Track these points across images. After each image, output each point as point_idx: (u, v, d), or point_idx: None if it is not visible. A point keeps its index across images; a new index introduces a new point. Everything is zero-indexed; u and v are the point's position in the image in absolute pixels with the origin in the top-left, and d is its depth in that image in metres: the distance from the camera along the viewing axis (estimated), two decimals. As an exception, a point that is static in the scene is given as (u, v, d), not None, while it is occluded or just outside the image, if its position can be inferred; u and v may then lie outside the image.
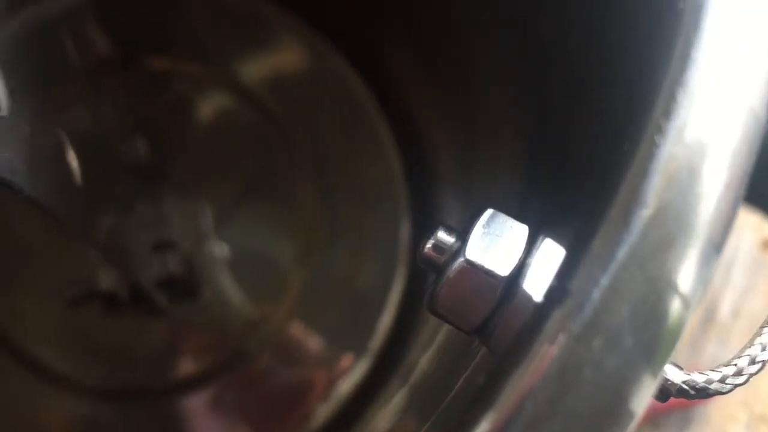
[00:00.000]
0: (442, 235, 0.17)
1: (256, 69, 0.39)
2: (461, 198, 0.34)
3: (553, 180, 0.18)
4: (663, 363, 0.12)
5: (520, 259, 0.16)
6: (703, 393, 0.16)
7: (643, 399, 0.12)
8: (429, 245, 0.17)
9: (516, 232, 0.16)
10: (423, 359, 0.33)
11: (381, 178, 0.39)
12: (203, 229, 0.39)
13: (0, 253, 0.37)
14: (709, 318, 0.39)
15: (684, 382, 0.16)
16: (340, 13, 0.35)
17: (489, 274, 0.16)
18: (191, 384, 0.38)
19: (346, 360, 0.38)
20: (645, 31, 0.13)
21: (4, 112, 0.20)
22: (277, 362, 0.38)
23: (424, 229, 0.38)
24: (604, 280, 0.12)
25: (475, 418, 0.11)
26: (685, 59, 0.12)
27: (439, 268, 0.16)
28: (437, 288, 0.16)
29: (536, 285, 0.15)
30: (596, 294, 0.12)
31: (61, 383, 0.36)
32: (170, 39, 0.38)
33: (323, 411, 0.37)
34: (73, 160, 0.31)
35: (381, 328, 0.38)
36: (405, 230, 0.38)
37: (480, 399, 0.11)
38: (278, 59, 0.39)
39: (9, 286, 0.37)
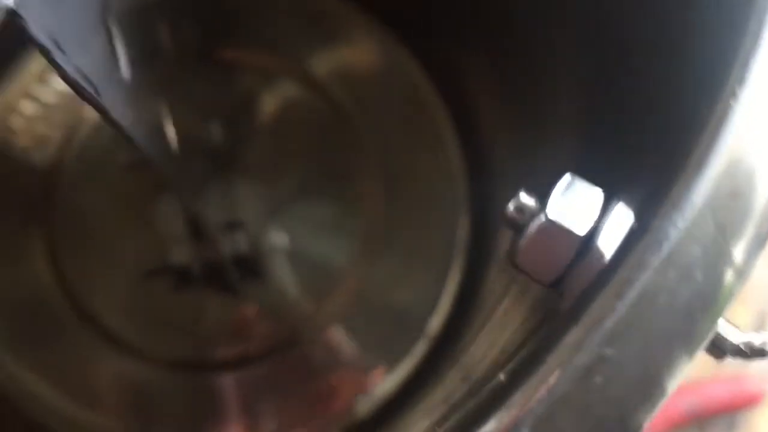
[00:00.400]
0: (524, 197, 0.18)
1: (326, 63, 0.41)
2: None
3: (622, 146, 0.20)
4: (728, 299, 0.14)
5: (595, 221, 0.18)
6: (759, 353, 0.18)
7: (709, 328, 0.13)
8: (512, 206, 0.18)
9: (591, 195, 0.18)
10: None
11: (442, 179, 0.41)
12: (268, 215, 0.41)
13: (80, 224, 0.40)
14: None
15: (741, 343, 0.18)
16: (413, 13, 0.37)
17: (567, 232, 0.18)
18: (244, 361, 0.39)
19: (391, 359, 0.39)
20: (719, 13, 0.15)
21: (127, 78, 0.22)
22: (325, 354, 0.40)
23: (481, 229, 0.40)
24: (681, 222, 0.14)
25: (561, 333, 0.13)
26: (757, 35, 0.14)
27: (520, 227, 0.18)
28: (519, 244, 0.18)
29: (608, 244, 0.17)
30: (673, 233, 0.13)
31: (126, 350, 0.38)
32: (245, 31, 0.41)
33: (365, 405, 0.39)
34: (170, 130, 0.34)
35: (430, 330, 0.39)
36: (462, 232, 0.40)
37: (566, 317, 0.13)
38: (349, 55, 0.42)
39: (86, 256, 0.40)
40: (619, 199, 0.17)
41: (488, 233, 0.39)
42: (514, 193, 0.36)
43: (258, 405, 0.39)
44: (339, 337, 0.40)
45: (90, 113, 0.40)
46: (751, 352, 0.18)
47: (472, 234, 0.40)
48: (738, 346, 0.18)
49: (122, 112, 0.21)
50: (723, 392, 0.39)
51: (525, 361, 0.13)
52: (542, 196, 0.18)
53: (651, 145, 0.18)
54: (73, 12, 0.18)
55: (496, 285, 0.37)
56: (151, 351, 0.38)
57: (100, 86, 0.19)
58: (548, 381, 0.13)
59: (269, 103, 0.41)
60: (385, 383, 0.39)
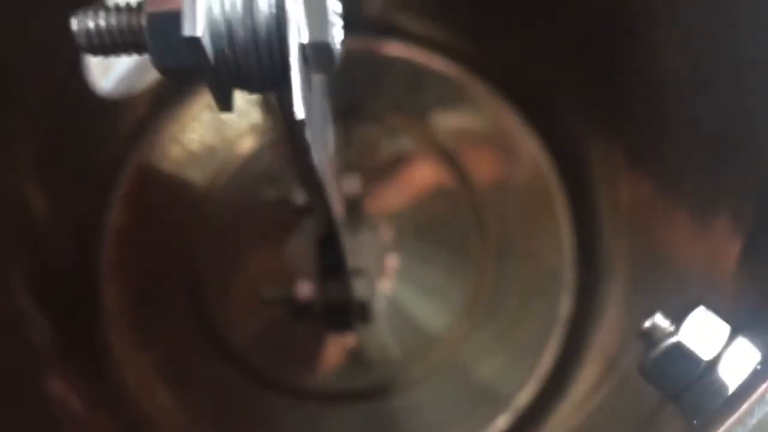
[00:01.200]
0: (659, 318, 0.22)
1: (449, 126, 0.45)
2: (627, 299, 0.38)
3: (758, 291, 0.23)
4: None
5: (720, 350, 0.21)
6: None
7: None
8: (648, 323, 0.22)
9: (720, 327, 0.21)
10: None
11: (553, 263, 0.44)
12: (383, 266, 0.45)
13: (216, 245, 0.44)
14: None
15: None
16: (533, 84, 0.41)
17: (693, 355, 0.21)
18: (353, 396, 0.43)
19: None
20: None
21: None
22: (404, 411, 0.43)
23: (583, 318, 0.42)
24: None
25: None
26: None
27: (653, 343, 0.22)
28: (650, 356, 0.22)
29: (731, 374, 0.20)
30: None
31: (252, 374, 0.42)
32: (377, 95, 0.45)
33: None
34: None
35: (515, 405, 0.41)
36: (563, 313, 0.42)
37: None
38: (472, 121, 0.45)
39: (222, 278, 0.44)
40: (745, 336, 0.21)
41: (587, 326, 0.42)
42: (623, 292, 0.38)
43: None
44: (422, 396, 0.43)
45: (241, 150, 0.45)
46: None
47: (576, 317, 0.42)
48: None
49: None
50: None
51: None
52: (676, 320, 0.22)
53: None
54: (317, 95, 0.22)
55: (589, 373, 0.40)
56: (271, 376, 0.42)
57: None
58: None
59: (394, 159, 0.45)
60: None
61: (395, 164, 0.45)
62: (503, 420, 0.41)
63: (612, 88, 0.37)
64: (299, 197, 0.38)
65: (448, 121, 0.46)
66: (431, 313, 0.43)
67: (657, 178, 0.34)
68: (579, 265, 0.42)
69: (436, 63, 0.46)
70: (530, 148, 0.44)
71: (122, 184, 0.44)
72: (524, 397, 0.41)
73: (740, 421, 0.16)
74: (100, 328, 0.41)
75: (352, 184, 0.40)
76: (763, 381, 0.17)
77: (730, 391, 0.19)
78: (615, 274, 0.40)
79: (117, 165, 0.43)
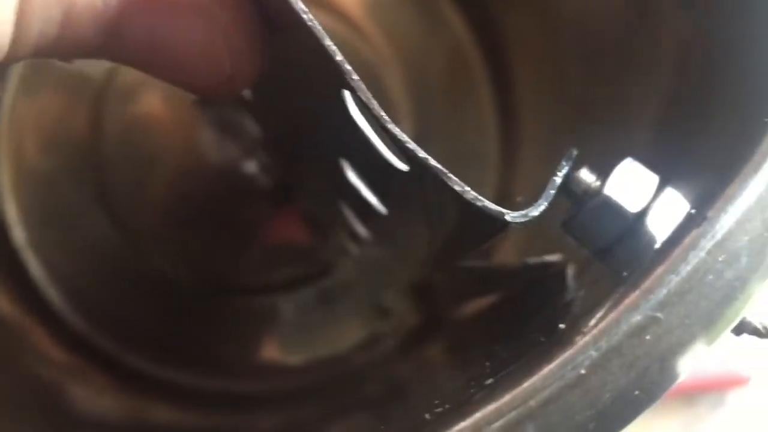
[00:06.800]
0: (585, 173, 0.21)
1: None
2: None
3: (685, 141, 0.22)
4: (762, 284, 0.16)
5: (648, 202, 0.20)
6: (770, 334, 0.21)
7: (745, 305, 0.16)
8: (572, 179, 0.21)
9: (647, 179, 0.20)
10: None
11: (476, 138, 0.43)
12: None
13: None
14: None
15: (760, 323, 0.20)
16: None
17: (621, 209, 0.20)
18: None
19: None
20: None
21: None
22: None
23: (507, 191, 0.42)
24: (733, 214, 0.16)
25: (623, 296, 0.16)
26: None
27: (578, 199, 0.21)
28: (576, 214, 0.21)
29: (660, 225, 0.20)
30: (725, 223, 0.16)
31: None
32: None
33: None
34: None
35: None
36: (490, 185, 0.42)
37: (627, 283, 0.16)
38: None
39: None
40: (674, 188, 0.20)
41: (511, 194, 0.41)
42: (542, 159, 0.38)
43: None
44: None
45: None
46: (765, 333, 0.21)
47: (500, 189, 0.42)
48: (755, 325, 0.20)
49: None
50: (713, 371, 0.42)
51: (584, 315, 0.16)
52: (602, 174, 0.21)
53: (716, 145, 0.20)
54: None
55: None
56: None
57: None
58: (609, 333, 0.15)
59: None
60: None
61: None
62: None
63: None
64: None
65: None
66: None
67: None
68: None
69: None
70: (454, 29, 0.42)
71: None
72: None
73: (673, 269, 0.15)
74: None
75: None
76: (695, 228, 0.16)
77: (660, 241, 0.18)
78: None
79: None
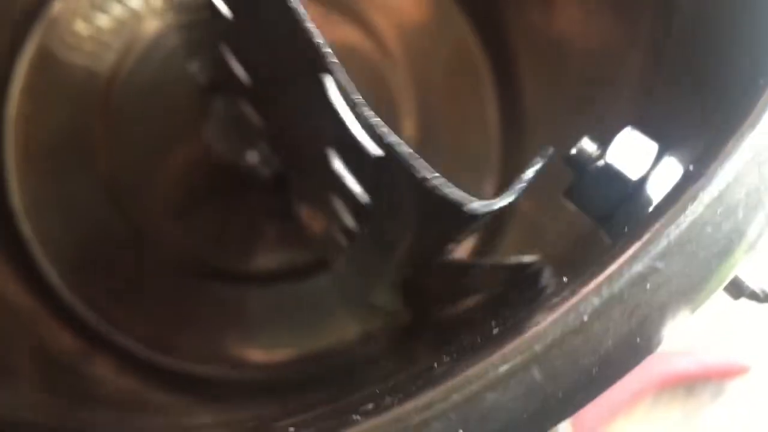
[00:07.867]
0: (586, 143, 0.21)
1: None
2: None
3: (681, 105, 0.23)
4: (759, 237, 0.17)
5: (648, 169, 0.21)
6: (768, 299, 0.21)
7: (741, 258, 0.16)
8: (574, 150, 0.21)
9: (647, 146, 0.21)
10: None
11: (479, 139, 0.43)
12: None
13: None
14: None
15: (759, 287, 0.21)
16: None
17: (621, 176, 0.21)
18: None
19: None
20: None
21: None
22: None
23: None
24: (730, 170, 0.17)
25: (625, 247, 0.16)
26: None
27: (581, 168, 0.21)
28: (578, 182, 0.21)
29: (659, 191, 0.20)
30: (723, 177, 0.16)
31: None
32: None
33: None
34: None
35: None
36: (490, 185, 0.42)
37: (629, 236, 0.16)
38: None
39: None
40: (673, 154, 0.20)
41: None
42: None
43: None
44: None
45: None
46: (763, 297, 0.21)
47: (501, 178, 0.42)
48: (753, 289, 0.21)
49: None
50: (713, 360, 0.42)
51: (588, 265, 0.16)
52: (603, 143, 0.21)
53: (712, 105, 0.20)
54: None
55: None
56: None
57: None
58: (610, 282, 0.16)
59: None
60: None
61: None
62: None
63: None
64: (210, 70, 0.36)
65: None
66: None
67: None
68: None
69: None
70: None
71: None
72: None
73: (673, 221, 0.16)
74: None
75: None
76: (693, 183, 0.16)
77: (661, 197, 0.18)
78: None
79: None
